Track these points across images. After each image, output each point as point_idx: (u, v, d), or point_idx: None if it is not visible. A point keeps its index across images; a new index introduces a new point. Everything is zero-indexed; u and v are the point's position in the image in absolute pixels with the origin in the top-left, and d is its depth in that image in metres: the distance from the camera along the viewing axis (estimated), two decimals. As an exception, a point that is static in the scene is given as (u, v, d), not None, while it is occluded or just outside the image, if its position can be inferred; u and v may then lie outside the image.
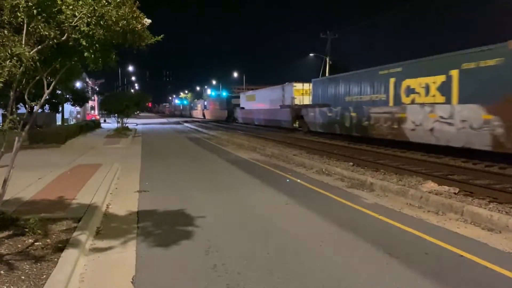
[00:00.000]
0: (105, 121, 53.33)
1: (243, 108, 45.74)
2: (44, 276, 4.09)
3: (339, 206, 7.74)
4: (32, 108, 5.44)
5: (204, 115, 70.85)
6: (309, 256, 5.09)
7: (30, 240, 5.06)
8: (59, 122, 29.69)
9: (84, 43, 4.63)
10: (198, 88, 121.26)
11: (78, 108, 42.80)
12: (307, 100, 28.69)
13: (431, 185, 8.92)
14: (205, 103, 72.76)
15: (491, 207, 6.99)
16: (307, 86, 29.31)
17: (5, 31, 4.42)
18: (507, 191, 8.16)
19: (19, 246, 4.87)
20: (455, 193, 8.29)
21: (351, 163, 12.84)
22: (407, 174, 10.51)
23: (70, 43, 4.72)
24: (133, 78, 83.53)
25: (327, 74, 40.43)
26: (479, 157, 12.63)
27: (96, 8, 4.44)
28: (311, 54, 45.92)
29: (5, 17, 4.34)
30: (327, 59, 41.94)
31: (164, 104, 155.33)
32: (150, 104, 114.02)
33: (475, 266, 4.75)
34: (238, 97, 52.81)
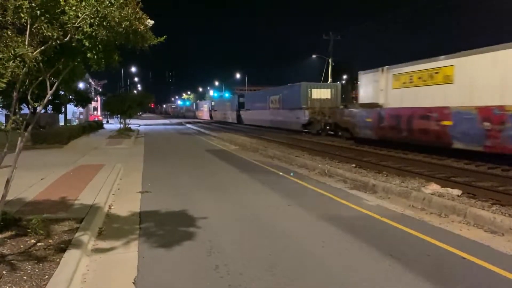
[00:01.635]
0: (107, 122, 53.61)
1: (376, 106, 17.85)
2: (46, 276, 4.09)
3: (341, 208, 7.72)
4: (35, 108, 5.47)
5: (239, 119, 45.86)
6: (310, 257, 5.08)
7: (33, 241, 5.07)
8: (62, 123, 29.83)
9: (87, 44, 4.65)
10: (200, 89, 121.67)
11: (81, 109, 43.06)
12: None
13: (434, 187, 8.89)
14: (241, 99, 46.10)
15: (494, 209, 6.97)
16: None
17: (9, 32, 4.44)
18: (510, 193, 8.11)
19: (22, 246, 4.88)
20: (458, 195, 8.26)
21: (354, 165, 12.82)
22: (409, 176, 10.48)
23: (73, 44, 4.73)
24: (136, 79, 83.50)
25: (329, 76, 40.50)
26: (482, 159, 12.58)
27: (99, 9, 4.45)
28: (313, 56, 46.00)
29: (9, 18, 4.35)
30: (330, 60, 41.97)
31: (169, 104, 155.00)
32: (152, 105, 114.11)
33: (477, 268, 4.73)
34: (328, 87, 28.52)
